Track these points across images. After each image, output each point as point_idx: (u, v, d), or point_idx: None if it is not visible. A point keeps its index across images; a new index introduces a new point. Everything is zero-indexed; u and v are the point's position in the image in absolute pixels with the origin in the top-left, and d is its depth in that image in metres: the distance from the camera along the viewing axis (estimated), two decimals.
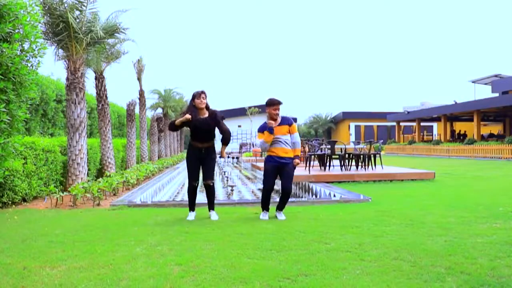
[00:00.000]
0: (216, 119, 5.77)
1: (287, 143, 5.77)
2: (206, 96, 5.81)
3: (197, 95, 5.76)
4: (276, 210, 5.93)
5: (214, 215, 5.85)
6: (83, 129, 9.50)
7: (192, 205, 5.95)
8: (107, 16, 10.65)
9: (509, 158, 21.32)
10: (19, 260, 3.78)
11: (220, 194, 10.96)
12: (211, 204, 5.96)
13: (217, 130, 5.83)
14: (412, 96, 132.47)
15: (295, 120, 45.94)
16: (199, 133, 5.75)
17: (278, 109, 5.74)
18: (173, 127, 5.86)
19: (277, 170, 5.78)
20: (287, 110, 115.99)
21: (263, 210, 5.91)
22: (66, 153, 9.44)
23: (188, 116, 5.65)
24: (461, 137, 33.54)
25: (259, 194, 10.18)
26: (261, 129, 5.82)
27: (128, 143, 15.93)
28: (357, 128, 47.46)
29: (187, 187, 6.06)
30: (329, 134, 51.62)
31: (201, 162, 5.86)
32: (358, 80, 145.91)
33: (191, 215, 5.87)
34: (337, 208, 6.56)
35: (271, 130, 5.66)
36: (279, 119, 5.82)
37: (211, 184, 5.89)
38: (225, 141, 5.86)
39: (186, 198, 9.44)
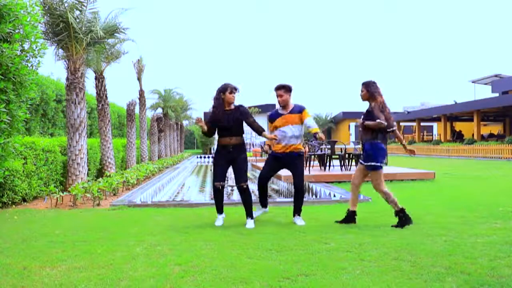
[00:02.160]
0: (243, 111, 5.31)
1: (294, 137, 5.39)
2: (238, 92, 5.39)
3: (230, 89, 5.26)
4: (293, 215, 5.49)
5: (249, 223, 5.22)
6: (83, 129, 9.49)
7: (219, 207, 5.44)
8: (107, 15, 10.66)
9: (509, 158, 21.31)
10: (19, 260, 3.78)
11: None
12: (247, 211, 5.35)
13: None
14: (412, 96, 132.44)
15: None
16: (225, 126, 5.26)
17: (280, 95, 5.42)
18: (206, 133, 5.47)
19: (278, 162, 5.50)
20: None
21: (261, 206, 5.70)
22: (66, 153, 9.44)
23: (202, 124, 5.32)
24: (456, 135, 33.59)
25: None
26: (270, 119, 5.60)
27: (128, 143, 15.93)
28: (357, 128, 47.42)
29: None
30: (329, 134, 51.62)
31: (230, 162, 5.35)
32: (358, 80, 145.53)
33: (219, 219, 5.39)
34: (337, 208, 6.56)
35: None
36: (290, 107, 5.47)
37: (245, 186, 5.27)
38: (258, 132, 5.31)
39: (186, 198, 9.45)
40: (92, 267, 3.54)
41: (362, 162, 5.24)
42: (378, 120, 4.99)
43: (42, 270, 3.48)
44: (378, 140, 5.11)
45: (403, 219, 5.03)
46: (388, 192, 5.16)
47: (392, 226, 5.03)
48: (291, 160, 5.42)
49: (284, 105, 5.47)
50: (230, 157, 5.33)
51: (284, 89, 5.43)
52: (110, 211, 6.59)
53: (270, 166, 5.58)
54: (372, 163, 5.11)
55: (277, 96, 5.46)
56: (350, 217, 5.29)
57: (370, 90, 5.16)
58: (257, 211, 5.71)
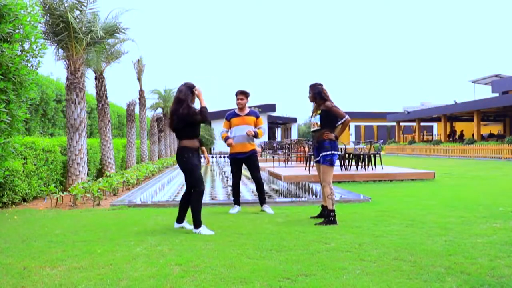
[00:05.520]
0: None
1: (248, 137, 6.25)
2: None
3: (194, 87, 5.03)
4: (261, 205, 6.44)
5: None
6: (83, 129, 9.49)
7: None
8: (106, 15, 10.66)
9: (509, 158, 21.31)
10: (19, 260, 3.78)
11: (220, 194, 10.97)
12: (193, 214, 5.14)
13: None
14: (412, 96, 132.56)
15: (295, 120, 45.91)
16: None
17: (242, 99, 6.39)
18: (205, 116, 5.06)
19: (240, 162, 6.40)
20: (287, 110, 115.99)
21: (234, 204, 6.52)
22: (66, 153, 9.43)
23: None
24: (452, 135, 33.57)
25: None
26: (227, 118, 6.50)
27: (128, 143, 15.93)
28: (357, 128, 47.45)
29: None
30: None
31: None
32: (358, 80, 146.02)
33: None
34: (337, 208, 6.55)
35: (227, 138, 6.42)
36: (246, 110, 6.46)
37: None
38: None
39: None
40: (92, 267, 3.54)
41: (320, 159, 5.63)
42: (346, 117, 5.36)
43: (42, 270, 3.48)
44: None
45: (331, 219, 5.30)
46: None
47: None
48: (250, 159, 6.37)
49: (242, 108, 6.44)
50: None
51: (244, 95, 6.42)
52: (110, 211, 6.59)
53: (238, 169, 6.46)
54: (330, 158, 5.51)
55: (238, 99, 6.42)
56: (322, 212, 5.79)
57: (315, 91, 5.53)
58: (232, 209, 6.45)
